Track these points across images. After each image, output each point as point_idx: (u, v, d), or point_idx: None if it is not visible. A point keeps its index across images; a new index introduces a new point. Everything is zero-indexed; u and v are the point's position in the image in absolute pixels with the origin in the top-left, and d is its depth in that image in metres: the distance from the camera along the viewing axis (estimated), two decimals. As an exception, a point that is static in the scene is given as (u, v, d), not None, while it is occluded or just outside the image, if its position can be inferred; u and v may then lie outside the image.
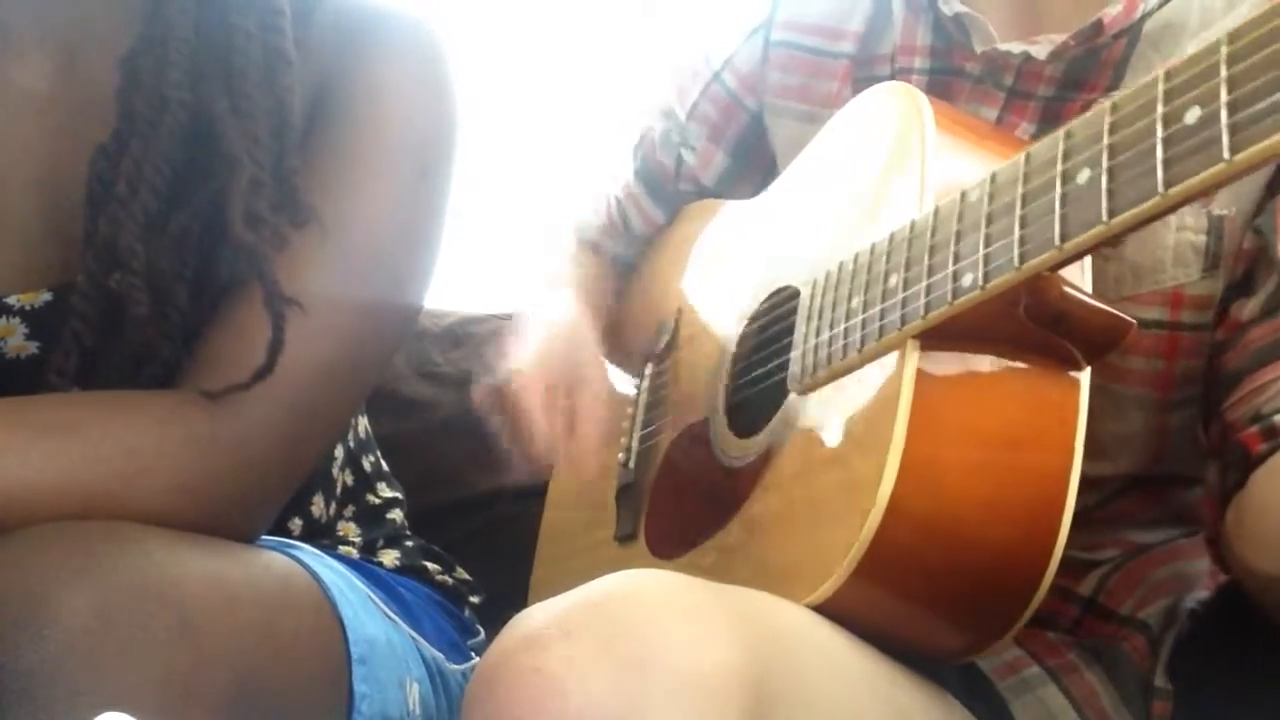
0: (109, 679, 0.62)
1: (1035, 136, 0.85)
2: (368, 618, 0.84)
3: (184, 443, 0.74)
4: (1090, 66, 0.84)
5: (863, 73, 0.95)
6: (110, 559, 0.66)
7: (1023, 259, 0.64)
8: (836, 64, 0.96)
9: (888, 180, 0.80)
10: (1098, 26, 0.83)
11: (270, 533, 0.85)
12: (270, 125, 0.78)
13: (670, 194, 1.12)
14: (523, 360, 0.97)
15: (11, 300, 0.82)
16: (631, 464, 0.98)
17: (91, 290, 0.78)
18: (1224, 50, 0.55)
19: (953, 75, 0.89)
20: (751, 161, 1.06)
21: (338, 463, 0.99)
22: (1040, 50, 0.84)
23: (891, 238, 0.74)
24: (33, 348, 0.83)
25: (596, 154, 1.23)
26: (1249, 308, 0.80)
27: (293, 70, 0.79)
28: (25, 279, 0.83)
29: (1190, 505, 0.88)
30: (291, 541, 0.90)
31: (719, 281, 1.00)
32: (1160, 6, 0.84)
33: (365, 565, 0.95)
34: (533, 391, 0.94)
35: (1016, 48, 0.85)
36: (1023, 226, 0.65)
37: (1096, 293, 0.72)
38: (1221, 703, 0.78)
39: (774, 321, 0.88)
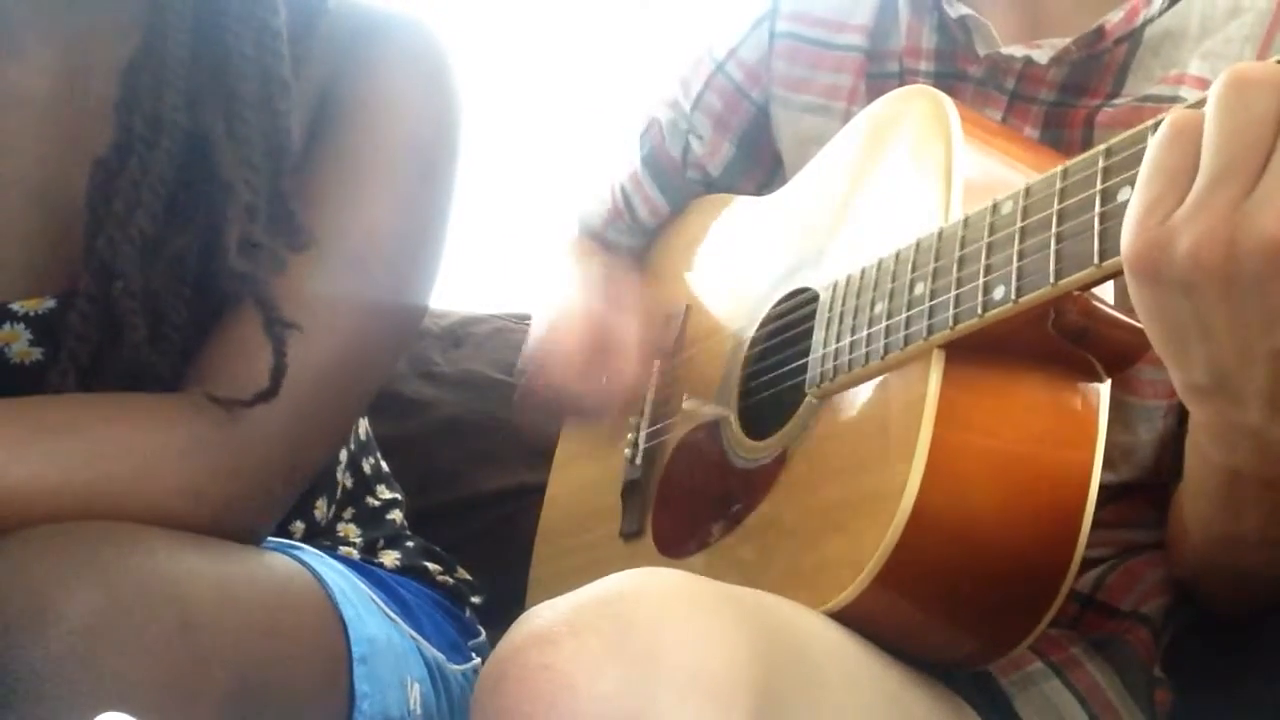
0: (110, 679, 0.62)
1: (1041, 142, 0.86)
2: (369, 618, 0.84)
3: (188, 445, 0.74)
4: (1091, 72, 0.85)
5: (875, 68, 0.95)
6: (112, 559, 0.65)
7: (1059, 275, 0.64)
8: (847, 57, 0.96)
9: (912, 185, 0.79)
10: (1099, 33, 0.83)
11: (272, 534, 0.85)
12: (266, 148, 0.78)
13: (677, 183, 1.12)
14: (547, 333, 0.96)
15: (16, 306, 0.82)
16: (638, 460, 0.97)
17: (89, 307, 0.78)
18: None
19: (956, 79, 0.89)
20: (756, 154, 1.06)
21: (340, 465, 0.99)
22: (1041, 54, 0.84)
23: (918, 245, 0.73)
24: (37, 354, 0.82)
25: (595, 152, 1.23)
26: None
27: (289, 93, 0.79)
28: (29, 285, 0.82)
29: None
30: (293, 543, 0.90)
31: (731, 279, 0.99)
32: (1161, 14, 0.84)
33: (366, 566, 0.95)
34: (562, 357, 0.92)
35: (1018, 51, 0.85)
36: (1059, 243, 0.64)
37: (1116, 296, 0.72)
38: (1221, 700, 0.78)
39: (791, 324, 0.87)
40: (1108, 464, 0.81)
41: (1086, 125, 0.84)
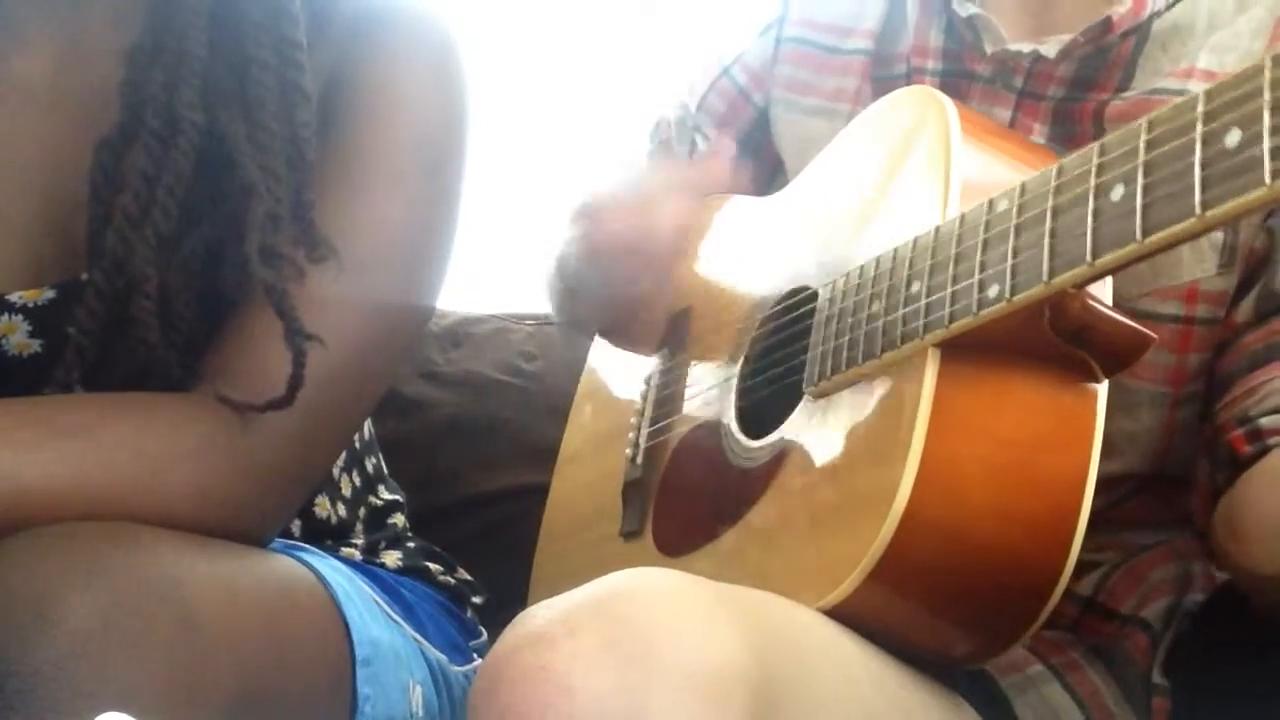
0: (113, 680, 0.62)
1: (1050, 138, 0.86)
2: (372, 620, 0.84)
3: (197, 446, 0.74)
4: (1099, 66, 0.85)
5: (881, 70, 0.95)
6: (115, 560, 0.65)
7: (1052, 273, 0.64)
8: (852, 60, 0.97)
9: (910, 184, 0.79)
10: (1106, 24, 0.84)
11: (274, 535, 0.85)
12: (288, 158, 0.77)
13: None
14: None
15: (14, 298, 0.82)
16: (639, 460, 0.97)
17: (97, 303, 0.78)
18: (1268, 74, 0.54)
19: (964, 78, 0.90)
20: (757, 157, 1.06)
21: (341, 465, 0.99)
22: (1049, 49, 0.85)
23: (914, 243, 0.73)
24: (35, 345, 0.82)
25: (596, 151, 1.23)
26: (1241, 309, 0.81)
27: (311, 105, 0.78)
28: (28, 276, 0.82)
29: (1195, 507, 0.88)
30: (296, 543, 0.90)
31: (732, 279, 0.99)
32: (1169, 7, 0.84)
33: (368, 567, 0.95)
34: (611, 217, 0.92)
35: (1026, 47, 0.85)
36: (1053, 240, 0.64)
37: (1114, 289, 0.72)
38: (1219, 701, 0.78)
39: (789, 323, 0.87)
40: (1113, 452, 0.81)
41: (1096, 118, 0.85)
